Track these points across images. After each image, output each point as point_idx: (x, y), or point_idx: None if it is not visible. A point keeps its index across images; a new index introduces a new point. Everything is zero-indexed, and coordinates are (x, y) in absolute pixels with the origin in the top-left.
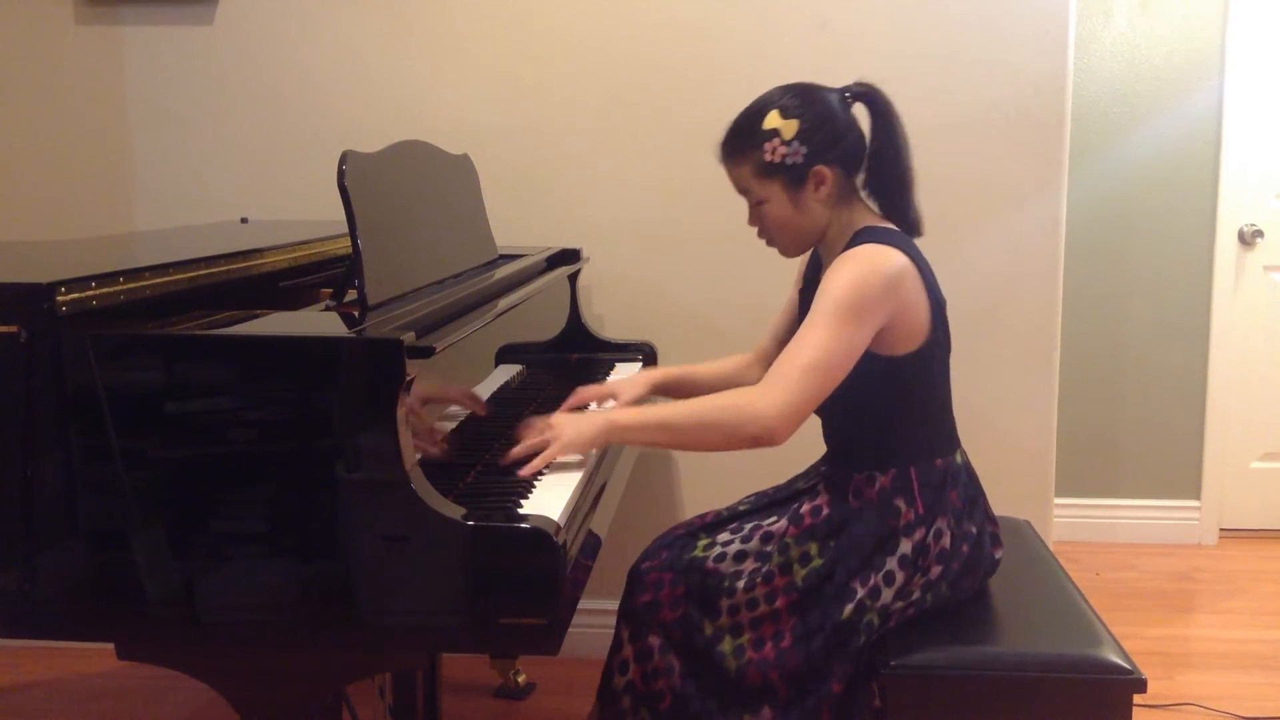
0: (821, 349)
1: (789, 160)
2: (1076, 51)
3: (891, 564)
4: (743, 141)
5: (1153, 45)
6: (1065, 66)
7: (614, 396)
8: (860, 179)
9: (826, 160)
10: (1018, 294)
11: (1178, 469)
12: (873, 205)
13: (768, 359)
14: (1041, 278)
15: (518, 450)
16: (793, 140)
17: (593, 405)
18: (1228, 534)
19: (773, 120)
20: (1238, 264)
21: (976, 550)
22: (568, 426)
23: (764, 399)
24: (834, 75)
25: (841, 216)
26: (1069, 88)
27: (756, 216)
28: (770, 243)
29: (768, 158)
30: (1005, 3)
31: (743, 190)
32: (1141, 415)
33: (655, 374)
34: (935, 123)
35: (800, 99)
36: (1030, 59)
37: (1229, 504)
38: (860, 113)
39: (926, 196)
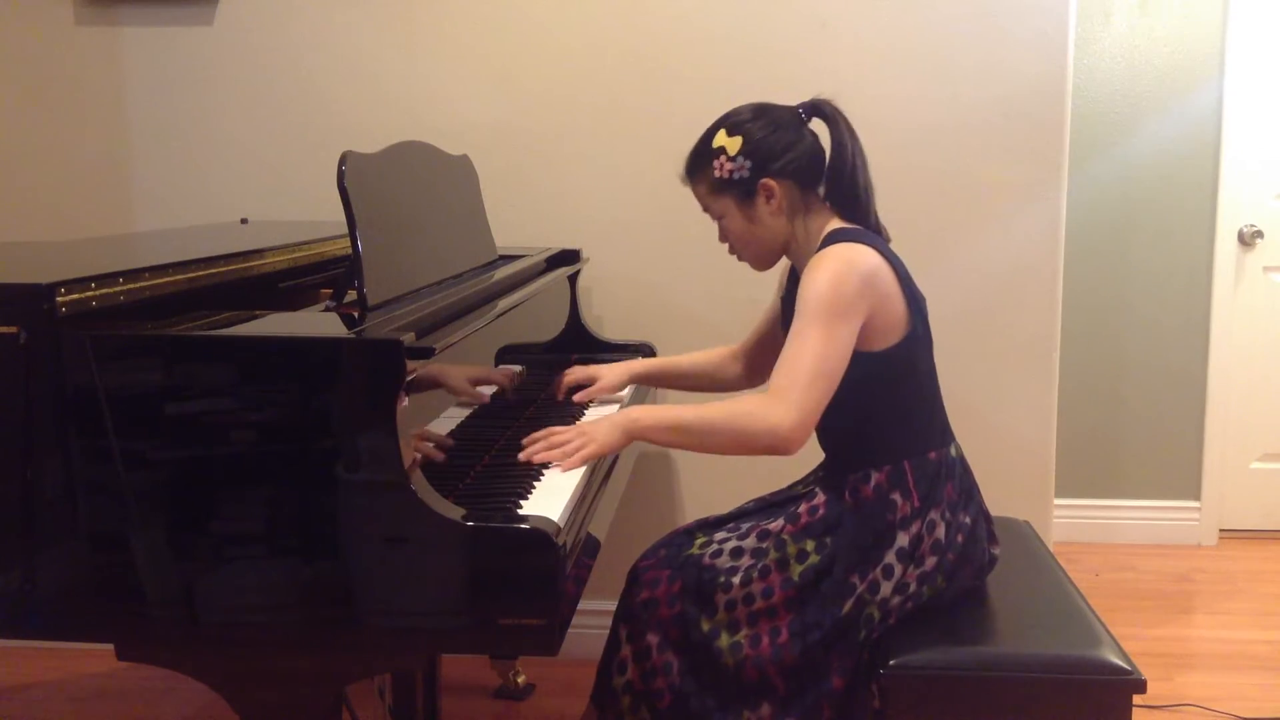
0: (818, 354)
1: (736, 175)
2: (1076, 51)
3: (889, 557)
4: (697, 161)
5: (1153, 45)
6: (1065, 67)
7: (595, 378)
8: (821, 190)
9: (773, 173)
10: (1018, 294)
11: (1178, 469)
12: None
13: (747, 356)
14: (1041, 278)
15: (555, 454)
16: (737, 155)
17: (589, 413)
18: (1228, 534)
19: (719, 139)
20: (1238, 264)
21: (971, 542)
22: (598, 428)
23: (776, 412)
24: (834, 75)
25: (803, 226)
26: (1069, 88)
27: (722, 233)
28: (739, 258)
29: (717, 174)
30: (1005, 3)
31: (705, 208)
32: (1141, 415)
33: (637, 365)
34: (935, 123)
35: (748, 116)
36: (1030, 59)
37: (1229, 504)
38: (821, 128)
39: (926, 197)
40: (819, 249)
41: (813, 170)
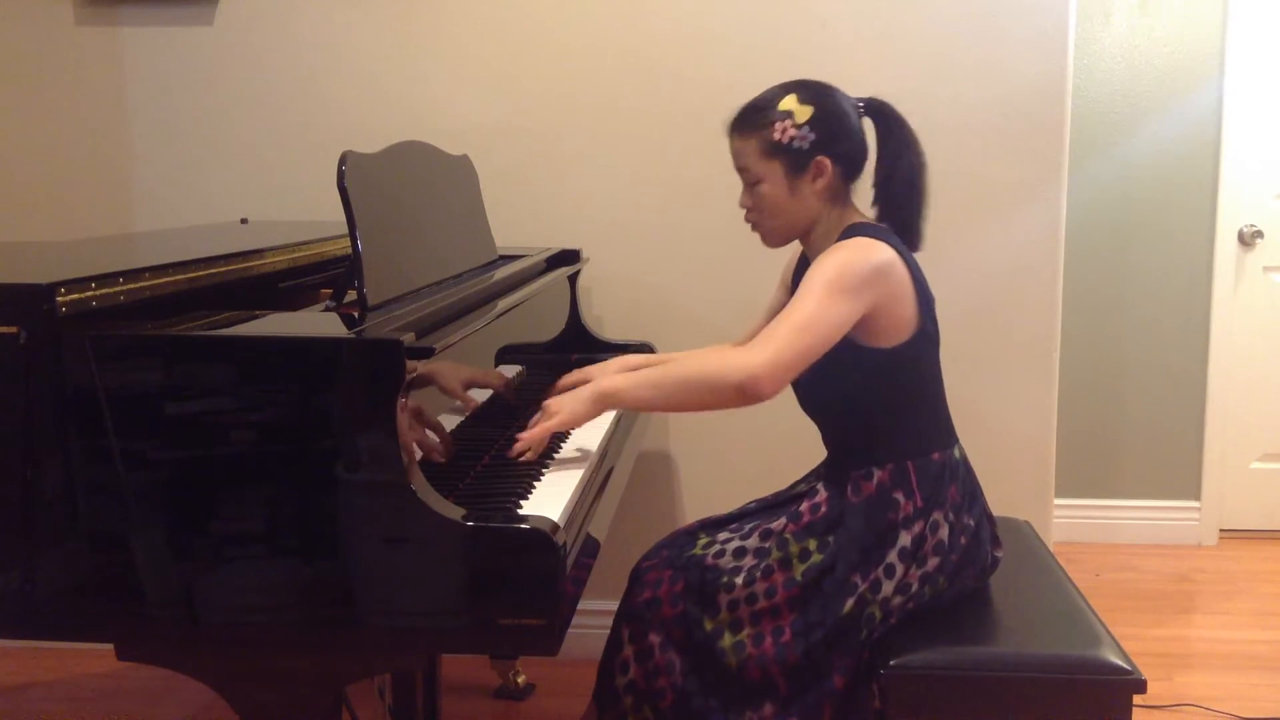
0: (807, 312)
1: (795, 143)
2: (1076, 52)
3: (892, 556)
4: (755, 118)
5: (1153, 45)
6: (1065, 67)
7: (590, 380)
8: (855, 185)
9: (830, 153)
10: (1018, 294)
11: (1178, 469)
12: (865, 213)
13: None
14: (1041, 278)
15: (520, 444)
16: (804, 125)
17: None
18: (1228, 534)
19: (789, 103)
20: (1238, 264)
21: (974, 544)
22: (563, 401)
23: (749, 353)
24: (834, 75)
25: (831, 215)
26: (1069, 88)
27: (750, 197)
28: (756, 227)
29: (776, 136)
30: (1005, 3)
31: (741, 168)
32: (1141, 415)
33: (631, 361)
34: (935, 123)
35: (819, 90)
36: (1030, 59)
37: (1229, 504)
38: (869, 128)
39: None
40: (837, 241)
41: (859, 164)
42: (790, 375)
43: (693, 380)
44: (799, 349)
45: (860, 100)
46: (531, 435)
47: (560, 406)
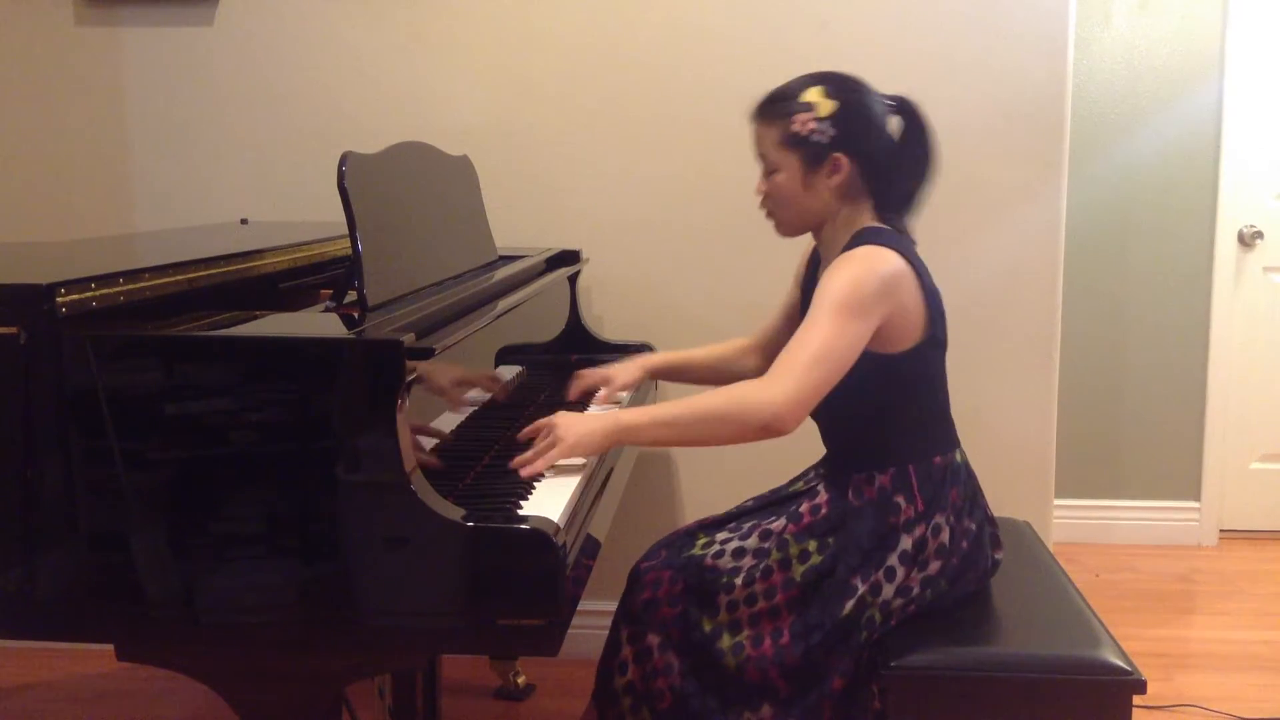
0: (824, 341)
1: (814, 137)
2: (1076, 52)
3: (892, 560)
4: (778, 106)
5: (1153, 45)
6: (1065, 67)
7: (610, 379)
8: (873, 185)
9: (849, 150)
10: (1018, 294)
11: (1178, 469)
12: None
13: (764, 348)
14: (1041, 278)
15: (525, 457)
16: (825, 119)
17: (594, 407)
18: (1228, 535)
19: (813, 95)
20: (1238, 264)
21: (976, 547)
22: (574, 427)
23: (769, 389)
24: None
25: (846, 212)
26: (1069, 88)
27: (765, 184)
28: (769, 215)
29: (795, 128)
30: (1005, 3)
31: (761, 154)
32: (1141, 415)
33: (651, 359)
34: (936, 123)
35: (847, 86)
36: (1030, 59)
37: (1229, 505)
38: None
39: (927, 196)
40: (848, 245)
41: (880, 164)
42: (811, 407)
43: (713, 418)
44: (818, 380)
45: (889, 98)
46: (534, 468)
47: (569, 433)
